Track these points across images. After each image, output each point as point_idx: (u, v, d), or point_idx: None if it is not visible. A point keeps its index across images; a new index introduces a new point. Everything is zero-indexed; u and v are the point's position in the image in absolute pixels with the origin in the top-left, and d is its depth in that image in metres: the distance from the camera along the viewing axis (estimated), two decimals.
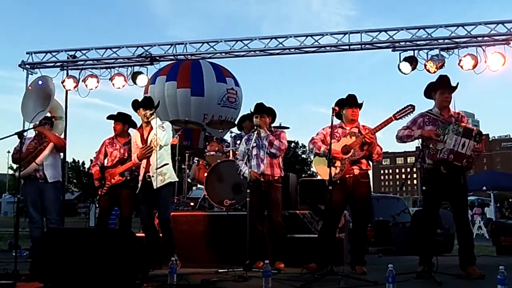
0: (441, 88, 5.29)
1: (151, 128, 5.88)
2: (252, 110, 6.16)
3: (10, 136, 5.41)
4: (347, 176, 5.49)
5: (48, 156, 6.55)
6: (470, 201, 21.95)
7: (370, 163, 5.70)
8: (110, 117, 6.86)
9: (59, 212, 6.83)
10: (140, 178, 5.95)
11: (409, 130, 5.30)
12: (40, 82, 6.69)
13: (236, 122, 8.23)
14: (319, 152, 5.62)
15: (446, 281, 4.58)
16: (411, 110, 5.27)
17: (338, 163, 5.40)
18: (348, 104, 5.61)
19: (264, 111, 6.08)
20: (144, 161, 5.91)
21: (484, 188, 19.44)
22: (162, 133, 5.80)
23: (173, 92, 15.56)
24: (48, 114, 6.70)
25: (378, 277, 4.59)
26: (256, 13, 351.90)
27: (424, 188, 5.23)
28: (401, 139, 5.36)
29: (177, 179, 6.19)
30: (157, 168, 5.77)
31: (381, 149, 5.64)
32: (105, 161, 6.80)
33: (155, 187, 5.75)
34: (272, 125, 6.30)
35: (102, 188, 6.64)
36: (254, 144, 5.98)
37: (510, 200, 33.17)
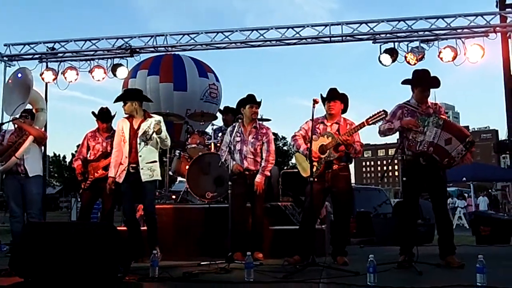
0: (422, 86, 5.28)
1: (142, 120, 5.86)
2: (247, 100, 6.07)
3: None
4: (325, 171, 5.53)
5: (28, 149, 6.45)
6: (449, 192, 22.21)
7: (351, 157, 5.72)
8: (95, 116, 6.81)
9: (40, 207, 6.75)
10: (124, 168, 5.80)
11: (389, 123, 5.31)
12: (19, 75, 6.57)
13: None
14: (298, 150, 5.68)
15: (426, 271, 4.64)
16: (383, 115, 5.25)
17: (315, 163, 5.41)
18: (326, 98, 5.64)
19: (259, 102, 6.09)
20: (127, 151, 5.78)
21: (464, 179, 19.68)
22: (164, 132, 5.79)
23: (155, 86, 15.42)
24: (29, 106, 6.59)
25: (359, 267, 4.61)
26: (239, 7, 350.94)
27: (404, 179, 5.27)
28: (383, 133, 5.38)
29: (160, 179, 6.13)
30: (147, 163, 5.76)
31: (361, 145, 5.62)
32: (88, 154, 6.75)
33: (143, 180, 5.71)
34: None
35: (85, 182, 6.61)
36: (238, 139, 5.99)
37: (490, 190, 33.59)
